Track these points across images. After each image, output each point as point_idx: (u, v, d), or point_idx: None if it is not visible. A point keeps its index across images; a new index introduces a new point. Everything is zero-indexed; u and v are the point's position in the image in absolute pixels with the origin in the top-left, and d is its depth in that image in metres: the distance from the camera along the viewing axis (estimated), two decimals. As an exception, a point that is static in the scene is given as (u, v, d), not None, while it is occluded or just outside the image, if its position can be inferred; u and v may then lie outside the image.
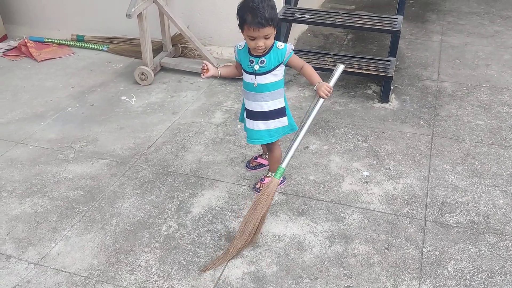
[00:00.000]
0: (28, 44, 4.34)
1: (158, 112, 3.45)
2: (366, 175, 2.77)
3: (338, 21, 3.67)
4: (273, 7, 2.17)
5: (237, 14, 2.19)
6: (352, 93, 3.62)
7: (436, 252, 2.27)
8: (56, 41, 4.52)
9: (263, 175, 2.71)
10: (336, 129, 3.20)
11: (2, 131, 3.26)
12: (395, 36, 3.55)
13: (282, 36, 3.86)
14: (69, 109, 3.52)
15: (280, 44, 2.29)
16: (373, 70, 3.45)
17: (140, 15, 3.61)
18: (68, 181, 2.78)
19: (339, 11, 3.92)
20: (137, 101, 3.61)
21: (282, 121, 2.45)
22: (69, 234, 2.41)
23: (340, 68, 2.41)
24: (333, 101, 3.51)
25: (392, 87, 3.63)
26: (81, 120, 3.38)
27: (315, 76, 2.35)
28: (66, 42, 4.52)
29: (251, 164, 2.82)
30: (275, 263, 2.23)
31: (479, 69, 3.95)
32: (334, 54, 3.69)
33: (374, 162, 2.88)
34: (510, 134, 3.11)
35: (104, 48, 4.41)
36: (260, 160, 2.82)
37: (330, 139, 3.10)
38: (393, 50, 3.61)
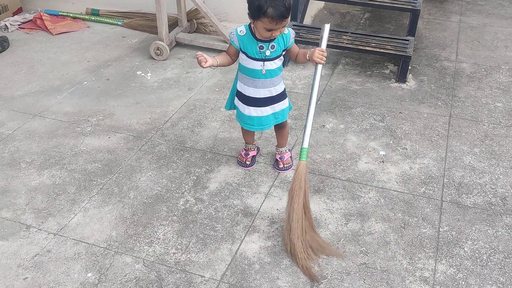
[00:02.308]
0: (43, 17, 4.33)
1: (174, 88, 3.44)
2: (383, 155, 2.77)
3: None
4: None
5: (251, 3, 2.08)
6: (369, 73, 3.59)
7: (452, 232, 2.27)
8: (71, 15, 4.50)
9: (276, 154, 2.69)
10: (353, 108, 3.18)
11: (20, 103, 3.28)
12: (415, 15, 3.50)
13: (299, 13, 3.82)
14: (85, 82, 3.53)
15: (290, 38, 2.27)
16: (391, 49, 3.41)
17: (157, -11, 3.58)
18: (86, 154, 2.80)
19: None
20: (152, 76, 3.60)
21: (285, 103, 2.45)
22: (87, 206, 2.44)
23: (327, 28, 2.25)
24: (350, 80, 3.49)
25: (409, 67, 3.59)
26: (97, 94, 3.39)
27: (305, 51, 2.29)
28: (81, 16, 4.50)
29: (247, 162, 2.66)
30: (292, 239, 2.25)
31: (498, 50, 3.89)
32: (351, 32, 3.65)
33: (391, 142, 2.87)
34: (529, 117, 3.09)
35: (119, 23, 4.39)
36: (251, 153, 2.68)
37: (347, 118, 3.08)
38: (412, 30, 3.56)
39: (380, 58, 3.72)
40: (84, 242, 2.24)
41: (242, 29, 2.26)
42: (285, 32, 2.22)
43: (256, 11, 2.07)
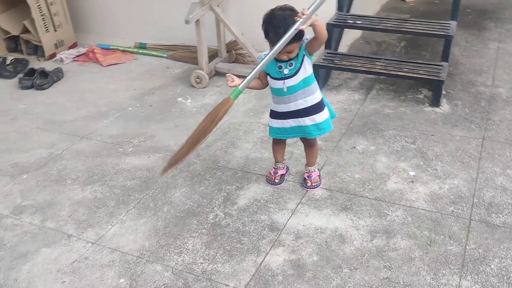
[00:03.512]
0: (95, 51, 4.68)
1: (211, 113, 3.61)
2: (412, 175, 2.78)
3: (390, 27, 3.71)
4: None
5: (262, 26, 2.27)
6: (403, 97, 3.63)
7: (480, 250, 2.24)
8: (120, 48, 4.83)
9: (305, 172, 2.76)
10: (385, 131, 3.22)
11: (70, 127, 3.54)
12: (448, 40, 3.54)
13: (333, 41, 3.94)
14: (130, 108, 3.77)
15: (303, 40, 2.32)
16: (424, 74, 3.45)
17: (197, 22, 3.81)
18: (126, 172, 2.98)
19: (392, 18, 3.95)
20: (192, 102, 3.80)
21: (325, 114, 2.52)
22: (124, 218, 2.59)
23: None
24: (383, 105, 3.54)
25: (444, 92, 3.61)
26: (140, 118, 3.61)
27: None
28: (130, 49, 4.82)
29: (276, 180, 2.75)
30: (316, 253, 2.29)
31: (538, 75, 3.84)
32: (385, 59, 3.72)
33: (421, 163, 2.88)
34: None
35: (164, 55, 4.66)
36: (280, 172, 2.77)
37: (378, 140, 3.12)
38: (445, 55, 3.59)
39: (414, 84, 3.75)
40: (119, 251, 2.38)
41: (266, 53, 2.40)
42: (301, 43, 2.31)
43: (264, 35, 2.28)
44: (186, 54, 4.57)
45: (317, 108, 2.47)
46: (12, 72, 4.45)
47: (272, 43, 2.26)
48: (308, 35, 2.33)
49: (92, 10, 5.02)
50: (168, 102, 3.83)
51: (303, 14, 2.15)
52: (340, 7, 4.02)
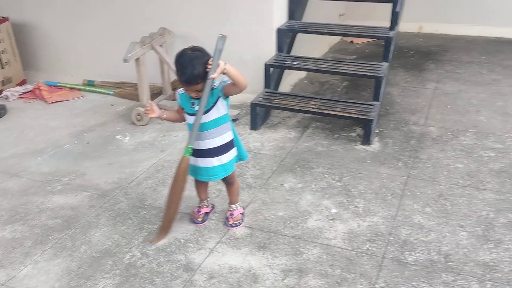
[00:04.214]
0: (41, 88, 4.68)
1: (148, 150, 3.62)
2: (334, 213, 2.81)
3: (324, 68, 3.83)
4: (205, 63, 2.24)
5: (174, 65, 2.34)
6: (337, 136, 3.70)
7: (388, 289, 2.26)
8: (68, 85, 4.85)
9: (228, 210, 2.77)
10: (314, 168, 3.27)
11: (3, 164, 3.49)
12: (378, 81, 3.66)
13: (272, 81, 4.03)
14: (67, 146, 3.75)
15: (215, 85, 2.36)
16: (354, 113, 3.54)
17: (137, 60, 3.87)
18: (50, 211, 2.94)
19: (328, 59, 4.08)
20: (130, 139, 3.80)
21: (233, 153, 2.56)
22: (38, 259, 2.54)
23: (222, 39, 2.27)
24: (316, 143, 3.60)
25: (377, 131, 3.70)
26: (75, 156, 3.59)
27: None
28: (77, 86, 4.84)
29: (199, 219, 2.75)
30: (226, 293, 2.28)
31: (469, 115, 3.97)
32: (320, 98, 3.81)
33: (344, 200, 2.92)
34: (488, 177, 3.10)
35: (110, 92, 4.69)
36: (203, 210, 2.78)
37: (306, 178, 3.16)
38: (376, 95, 3.70)
39: (349, 123, 3.84)
40: (27, 293, 2.32)
41: (183, 89, 2.45)
42: (214, 88, 2.36)
43: (175, 73, 2.35)
44: (132, 91, 4.60)
45: (223, 149, 2.51)
46: (-45, 109, 4.40)
47: (180, 82, 2.32)
48: (226, 77, 2.37)
49: (41, 48, 5.05)
50: (106, 139, 3.83)
51: (209, 64, 2.23)
52: (280, 49, 4.13)
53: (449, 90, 4.47)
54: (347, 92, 4.52)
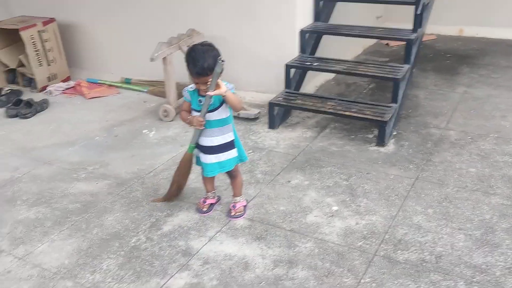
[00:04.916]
0: (81, 84, 5.01)
1: (169, 144, 3.82)
2: (335, 210, 2.86)
3: (343, 69, 3.87)
4: (215, 56, 2.40)
5: (184, 59, 2.48)
6: (353, 136, 3.73)
7: (373, 284, 2.29)
8: (107, 83, 5.16)
9: (232, 202, 2.90)
10: (324, 167, 3.33)
11: (37, 153, 3.80)
12: (396, 83, 3.66)
13: (293, 81, 4.11)
14: (97, 138, 4.01)
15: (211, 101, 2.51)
16: (369, 115, 3.57)
17: (165, 59, 4.08)
18: (72, 196, 3.18)
19: (350, 60, 4.11)
20: (155, 134, 4.01)
21: (232, 153, 2.68)
22: (55, 238, 2.77)
23: (220, 64, 2.39)
24: (331, 143, 3.65)
25: (395, 133, 3.70)
26: (103, 148, 3.84)
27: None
28: (115, 84, 5.14)
29: (204, 209, 2.90)
30: (217, 278, 2.40)
31: (494, 120, 3.88)
32: (338, 99, 3.86)
33: (347, 199, 2.96)
34: (499, 182, 3.04)
35: (144, 90, 4.95)
36: (208, 201, 2.93)
37: (314, 176, 3.23)
38: (394, 97, 3.70)
39: (368, 124, 3.85)
40: (40, 267, 2.55)
41: (192, 85, 2.61)
42: (211, 103, 2.52)
43: (186, 67, 2.47)
44: (164, 89, 4.82)
45: (223, 147, 2.65)
46: (5, 102, 4.80)
47: (191, 74, 2.46)
48: (231, 85, 2.56)
49: (85, 47, 5.41)
50: (134, 133, 4.06)
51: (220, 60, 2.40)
52: (303, 50, 4.20)
53: (479, 95, 4.37)
54: (372, 94, 4.52)
